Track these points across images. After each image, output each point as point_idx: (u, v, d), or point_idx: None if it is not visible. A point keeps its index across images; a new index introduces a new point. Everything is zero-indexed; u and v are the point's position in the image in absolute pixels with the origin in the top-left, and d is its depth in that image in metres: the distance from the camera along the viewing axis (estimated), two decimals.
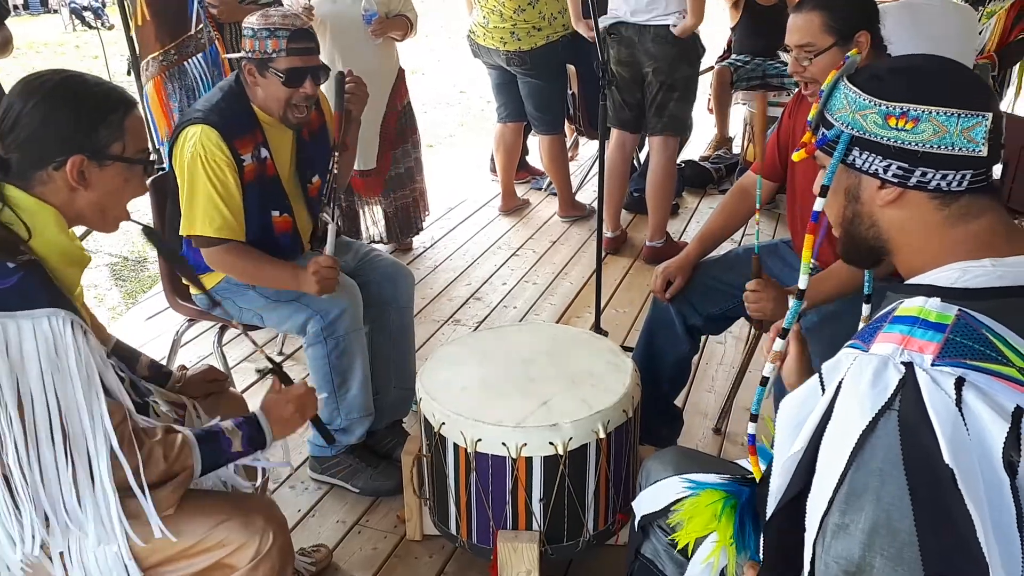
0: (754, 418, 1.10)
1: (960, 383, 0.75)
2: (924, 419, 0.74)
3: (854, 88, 0.90)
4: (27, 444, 1.15)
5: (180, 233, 2.02)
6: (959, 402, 0.74)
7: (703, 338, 2.58)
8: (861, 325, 1.05)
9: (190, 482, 1.31)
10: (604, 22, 3.37)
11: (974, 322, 0.80)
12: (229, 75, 2.78)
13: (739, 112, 4.88)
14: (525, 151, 4.67)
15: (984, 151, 0.85)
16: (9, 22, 2.88)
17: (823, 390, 0.84)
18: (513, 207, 4.29)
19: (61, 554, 1.24)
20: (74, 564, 1.25)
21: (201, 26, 2.81)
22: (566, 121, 4.19)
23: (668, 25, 3.29)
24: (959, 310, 0.81)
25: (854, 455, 0.77)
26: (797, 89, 1.97)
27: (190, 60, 2.83)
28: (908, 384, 0.76)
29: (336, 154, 2.19)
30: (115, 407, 1.22)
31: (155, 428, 1.28)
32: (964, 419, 0.74)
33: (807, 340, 1.21)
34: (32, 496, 1.18)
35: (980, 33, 3.64)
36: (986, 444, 0.73)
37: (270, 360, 1.58)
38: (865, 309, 1.04)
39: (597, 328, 2.68)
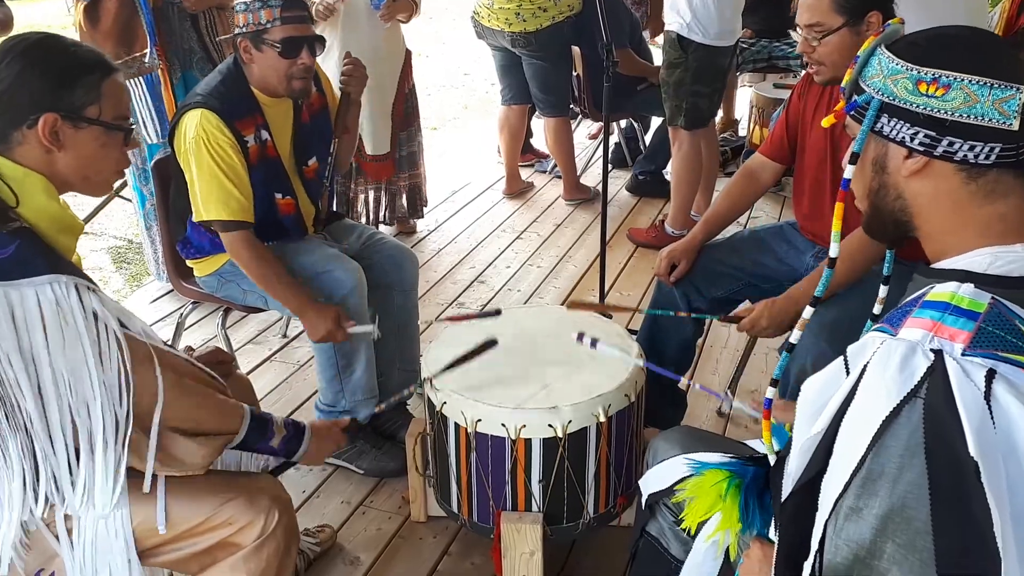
0: (774, 383, 1.08)
1: (991, 375, 0.74)
2: (951, 410, 0.73)
3: (888, 53, 0.89)
4: (38, 410, 1.15)
5: (195, 220, 2.02)
6: (988, 395, 0.73)
7: (707, 321, 2.58)
8: (877, 308, 1.04)
9: (225, 448, 1.32)
10: (725, 41, 3.27)
11: (1007, 312, 0.78)
12: (172, 109, 2.76)
13: (745, 94, 4.84)
14: (529, 133, 4.65)
15: (1015, 125, 0.82)
16: (11, 4, 2.87)
17: (847, 372, 0.83)
18: (517, 190, 4.27)
19: (67, 526, 1.25)
20: (76, 534, 1.25)
21: (146, 51, 2.74)
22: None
23: None
24: (992, 298, 0.79)
25: (875, 440, 0.76)
26: (805, 71, 1.95)
27: (132, 80, 2.74)
28: (936, 372, 0.75)
29: (335, 138, 2.17)
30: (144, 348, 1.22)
31: (214, 381, 1.30)
32: (992, 412, 0.73)
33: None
34: (41, 462, 1.18)
35: (989, 21, 3.59)
36: (1013, 440, 0.72)
37: (358, 424, 1.65)
38: (882, 291, 1.03)
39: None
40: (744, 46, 4.59)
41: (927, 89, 0.85)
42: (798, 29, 1.81)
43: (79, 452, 1.19)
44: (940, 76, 0.84)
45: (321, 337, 1.98)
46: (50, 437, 1.17)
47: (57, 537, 1.25)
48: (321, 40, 2.04)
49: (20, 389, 1.14)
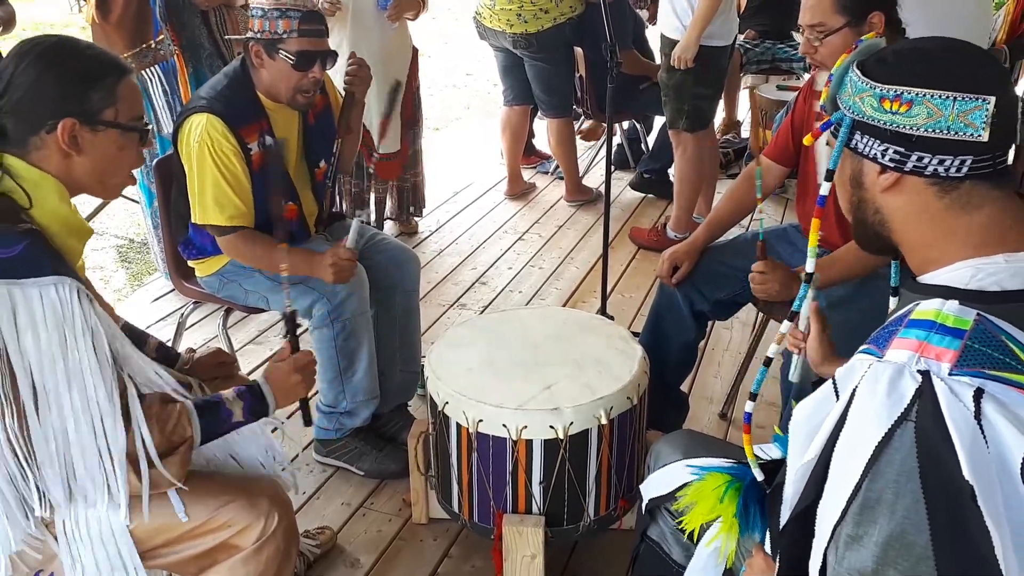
0: (753, 397, 1.08)
1: (979, 394, 0.73)
2: (942, 432, 0.72)
3: (857, 71, 0.89)
4: (37, 411, 1.15)
5: (193, 222, 2.02)
6: (978, 415, 0.72)
7: (709, 323, 2.57)
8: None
9: (192, 452, 1.30)
10: (724, 40, 3.23)
11: (993, 328, 0.77)
12: (188, 96, 2.76)
13: (747, 96, 4.83)
14: (532, 135, 4.64)
15: (984, 136, 0.81)
16: (15, 2, 2.87)
17: (836, 396, 0.83)
18: (519, 191, 4.27)
19: (64, 525, 1.24)
20: (78, 539, 1.25)
21: (161, 37, 2.74)
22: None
23: None
24: (977, 314, 0.78)
25: (869, 466, 0.75)
26: (809, 73, 1.95)
27: (147, 70, 2.75)
28: (925, 394, 0.74)
29: (339, 138, 2.17)
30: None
31: (150, 398, 1.28)
32: (983, 432, 0.72)
33: (825, 319, 1.20)
34: (40, 464, 1.17)
35: (993, 24, 3.59)
36: (1005, 459, 0.72)
37: (292, 322, 1.56)
38: (892, 302, 1.02)
39: (603, 313, 2.67)
40: (747, 47, 4.59)
41: (891, 106, 0.84)
42: (800, 30, 1.80)
43: (74, 456, 1.18)
44: (902, 93, 0.83)
45: (337, 276, 1.96)
46: (53, 442, 1.16)
47: (56, 539, 1.25)
48: (333, 55, 2.04)
49: (20, 390, 1.13)
